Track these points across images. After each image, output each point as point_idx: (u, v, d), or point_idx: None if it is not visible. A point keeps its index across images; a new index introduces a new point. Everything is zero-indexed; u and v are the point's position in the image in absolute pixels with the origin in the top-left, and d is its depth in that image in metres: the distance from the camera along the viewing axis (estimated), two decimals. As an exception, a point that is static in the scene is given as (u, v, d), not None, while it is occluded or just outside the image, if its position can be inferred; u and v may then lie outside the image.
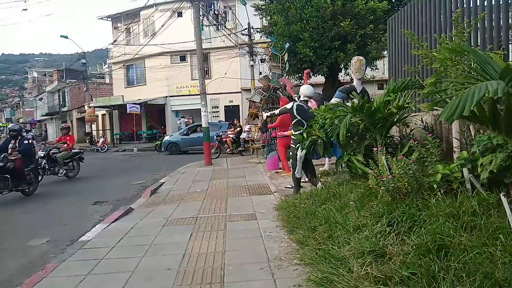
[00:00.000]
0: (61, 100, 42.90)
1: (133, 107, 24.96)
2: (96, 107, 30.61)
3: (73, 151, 11.97)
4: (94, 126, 33.30)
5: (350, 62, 7.38)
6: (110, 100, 29.29)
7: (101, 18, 31.47)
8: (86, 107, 32.40)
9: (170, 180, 9.87)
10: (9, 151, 8.75)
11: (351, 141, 5.18)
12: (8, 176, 8.35)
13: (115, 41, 28.79)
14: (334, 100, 6.82)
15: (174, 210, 6.38)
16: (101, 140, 26.39)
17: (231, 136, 16.14)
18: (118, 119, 30.98)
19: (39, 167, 10.17)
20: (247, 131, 15.17)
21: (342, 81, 13.38)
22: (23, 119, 64.07)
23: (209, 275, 3.46)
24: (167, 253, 4.15)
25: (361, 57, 6.87)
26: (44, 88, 50.88)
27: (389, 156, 4.08)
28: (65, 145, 11.80)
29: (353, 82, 6.96)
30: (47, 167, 11.03)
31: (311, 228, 4.01)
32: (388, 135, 4.93)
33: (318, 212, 4.31)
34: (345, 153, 5.17)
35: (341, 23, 11.08)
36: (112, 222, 5.82)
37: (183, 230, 4.99)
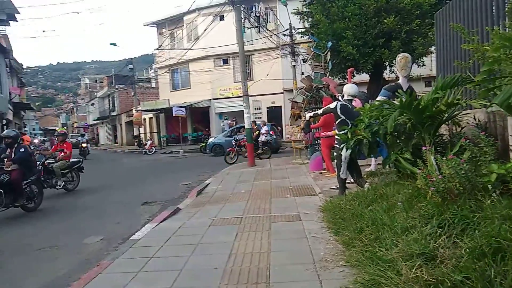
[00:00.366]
0: (110, 104, 44.92)
1: (179, 110, 25.63)
2: (143, 110, 31.73)
3: (71, 160, 10.78)
4: (141, 129, 34.52)
5: (395, 59, 7.18)
6: (156, 103, 30.28)
7: (147, 25, 32.60)
8: (134, 111, 33.67)
9: (215, 181, 10.05)
10: (5, 161, 7.77)
11: (398, 141, 5.03)
12: (1, 191, 7.24)
13: (160, 46, 29.74)
14: (379, 99, 6.66)
15: (219, 210, 6.49)
16: (149, 142, 27.30)
17: None
18: (164, 122, 31.94)
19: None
20: (264, 133, 15.14)
21: (387, 79, 13.04)
22: (77, 123, 67.68)
23: (255, 275, 3.49)
24: (213, 253, 4.24)
25: (406, 54, 6.65)
26: (95, 93, 53.53)
27: (438, 156, 3.93)
28: (62, 153, 10.67)
29: (398, 80, 6.77)
30: (43, 179, 9.46)
31: (357, 230, 3.94)
32: (437, 133, 4.74)
33: (365, 213, 4.23)
34: (392, 152, 5.04)
35: (385, 20, 10.81)
36: (161, 221, 6.01)
37: (228, 230, 5.07)
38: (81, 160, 11.50)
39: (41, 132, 60.22)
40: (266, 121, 19.44)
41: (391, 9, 10.99)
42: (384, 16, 10.91)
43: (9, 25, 26.84)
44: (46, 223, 7.05)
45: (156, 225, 5.81)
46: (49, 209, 8.31)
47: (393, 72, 12.35)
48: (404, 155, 4.73)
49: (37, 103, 78.85)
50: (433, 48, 10.31)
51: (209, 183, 9.77)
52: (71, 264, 4.61)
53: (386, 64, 12.44)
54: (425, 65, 13.03)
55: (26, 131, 38.46)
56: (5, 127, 25.18)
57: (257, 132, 15.72)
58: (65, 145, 10.85)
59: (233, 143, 15.86)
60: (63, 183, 10.23)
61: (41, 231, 6.42)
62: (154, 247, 4.62)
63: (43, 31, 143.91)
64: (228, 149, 15.72)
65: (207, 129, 28.84)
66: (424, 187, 3.72)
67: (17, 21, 26.57)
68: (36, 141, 29.83)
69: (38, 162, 9.34)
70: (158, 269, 3.94)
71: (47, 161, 10.30)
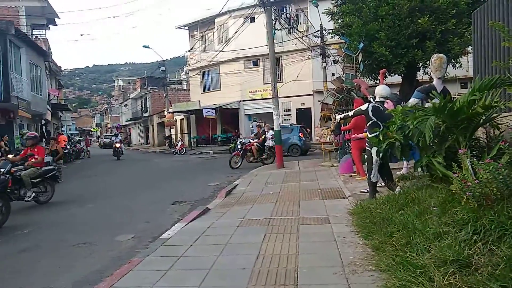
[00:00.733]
0: (143, 106, 45.98)
1: (209, 111, 25.93)
2: (175, 112, 32.30)
3: (44, 168, 9.15)
4: (173, 130, 35.14)
5: (429, 60, 6.99)
6: (187, 105, 30.77)
7: (179, 27, 33.17)
8: (165, 112, 34.32)
9: (244, 182, 10.09)
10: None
11: (430, 143, 4.89)
12: None
13: (191, 48, 30.20)
14: (412, 101, 6.50)
15: (248, 211, 6.52)
16: (180, 143, 27.75)
17: (256, 144, 14.67)
18: (195, 123, 32.40)
19: None
20: (270, 138, 14.53)
21: (420, 80, 12.70)
22: (110, 124, 69.68)
23: (283, 276, 3.48)
24: (241, 253, 4.26)
25: (441, 55, 6.46)
26: (128, 95, 54.94)
27: (475, 160, 3.80)
28: (33, 159, 9.02)
29: (432, 81, 6.59)
30: (9, 190, 7.83)
31: (387, 234, 3.86)
32: (473, 136, 4.58)
33: (396, 217, 4.13)
34: (424, 155, 4.90)
35: (419, 20, 10.54)
36: (190, 221, 6.10)
37: (256, 231, 5.08)
38: (56, 167, 9.73)
39: (77, 132, 62.33)
40: (296, 123, 19.33)
41: (425, 8, 10.70)
42: (418, 16, 10.64)
43: (49, 29, 28.05)
44: (80, 220, 7.29)
45: (186, 225, 5.90)
46: (82, 207, 8.59)
47: (427, 73, 12.01)
48: (437, 159, 4.59)
49: (73, 104, 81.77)
50: (469, 48, 9.97)
51: (238, 184, 9.83)
52: (103, 260, 4.75)
53: (420, 65, 12.12)
54: (461, 66, 12.61)
55: (63, 131, 39.94)
56: (44, 127, 26.29)
57: (263, 137, 14.80)
58: (36, 150, 9.25)
59: (239, 147, 15.01)
60: (34, 194, 8.61)
61: (76, 228, 6.65)
62: (184, 246, 4.69)
63: (81, 35, 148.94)
64: (233, 153, 15.08)
65: (236, 131, 29.03)
66: (459, 191, 3.60)
67: (56, 25, 27.74)
68: (72, 140, 30.95)
69: (2, 170, 7.88)
70: (187, 268, 4.00)
71: (15, 168, 8.56)
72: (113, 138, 29.96)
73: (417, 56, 10.94)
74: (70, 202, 9.19)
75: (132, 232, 6.01)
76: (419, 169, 5.14)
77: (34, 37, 25.42)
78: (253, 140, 15.02)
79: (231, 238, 4.88)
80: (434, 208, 3.87)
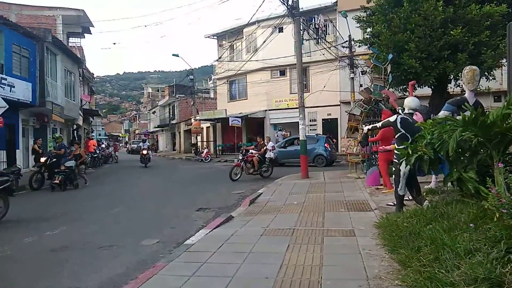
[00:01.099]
0: (171, 113, 46.79)
1: (235, 120, 26.11)
2: (202, 120, 32.70)
3: None
4: (199, 138, 35.56)
5: (460, 72, 6.82)
6: (214, 113, 31.10)
7: (208, 37, 33.71)
8: (192, 120, 34.80)
9: (268, 191, 10.07)
10: None
11: (461, 157, 4.76)
12: None
13: (219, 58, 30.58)
14: (442, 113, 6.36)
15: (271, 220, 6.49)
16: (205, 151, 28.02)
17: (257, 155, 13.91)
18: (220, 131, 32.67)
19: None
20: (271, 149, 14.27)
21: (451, 93, 12.41)
22: (138, 130, 71.19)
23: (306, 287, 3.44)
24: (265, 262, 4.24)
25: (474, 67, 6.31)
26: (157, 102, 56.07)
27: (510, 175, 3.67)
28: None
29: (464, 93, 6.42)
30: None
31: (414, 249, 3.77)
32: (507, 151, 4.43)
33: (423, 232, 4.03)
34: (455, 170, 4.77)
35: (451, 32, 10.32)
36: (214, 228, 6.13)
37: (280, 241, 5.06)
38: (10, 178, 8.14)
39: (106, 137, 64.00)
40: (322, 133, 19.15)
41: (458, 20, 10.49)
42: (450, 27, 10.43)
43: (84, 38, 29.04)
44: (106, 224, 7.44)
45: (210, 231, 5.93)
46: (109, 211, 8.76)
47: (458, 85, 11.73)
48: (468, 173, 4.46)
49: (104, 110, 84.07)
50: (504, 60, 9.68)
51: (262, 193, 9.82)
52: (128, 263, 4.83)
53: (451, 77, 11.85)
54: (495, 78, 12.26)
55: (93, 136, 41.08)
56: (75, 131, 27.12)
57: (264, 148, 14.15)
58: None
59: (240, 157, 14.12)
60: None
61: (102, 231, 6.79)
62: (207, 253, 4.71)
63: (113, 43, 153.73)
64: (234, 164, 14.30)
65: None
66: (491, 207, 3.48)
67: (91, 34, 28.71)
68: (103, 145, 31.80)
69: None
70: (210, 274, 4.01)
71: None
72: (141, 144, 30.44)
73: (449, 68, 10.70)
74: (96, 205, 9.41)
75: (157, 237, 6.08)
76: (449, 184, 5.01)
77: (69, 45, 26.39)
78: (254, 151, 14.17)
79: (255, 247, 4.87)
80: (471, 225, 3.73)
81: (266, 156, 14.12)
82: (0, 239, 6.37)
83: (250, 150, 14.25)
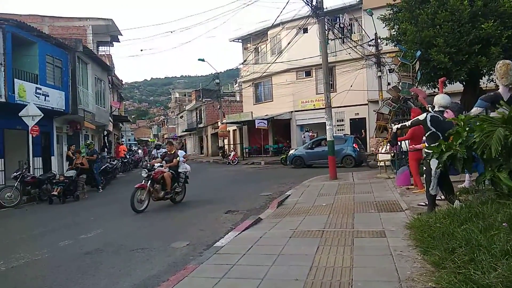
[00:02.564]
0: (198, 117, 47.39)
1: (261, 122, 26.16)
2: (228, 123, 32.95)
3: None
4: (226, 141, 35.85)
5: (494, 67, 6.60)
6: (240, 116, 31.28)
7: (233, 40, 33.94)
8: (219, 123, 35.12)
9: (296, 193, 10.03)
10: None
11: (497, 155, 4.60)
12: None
13: (245, 61, 30.76)
14: (475, 110, 6.18)
15: (300, 222, 6.47)
16: (232, 153, 28.20)
17: (168, 170, 9.81)
18: (247, 134, 32.82)
19: None
20: (184, 160, 11.03)
21: (484, 88, 12.00)
22: (167, 134, 72.42)
23: (337, 289, 3.42)
24: (294, 264, 4.23)
25: (508, 61, 6.08)
26: (184, 107, 56.93)
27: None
28: None
29: (498, 89, 6.21)
30: None
31: (448, 250, 3.66)
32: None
33: (457, 232, 3.92)
34: (489, 168, 4.61)
35: (482, 25, 9.99)
36: (243, 230, 6.16)
37: (309, 243, 5.03)
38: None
39: (135, 142, 65.40)
40: (350, 133, 18.87)
41: (489, 13, 10.15)
42: (481, 21, 10.10)
43: (113, 46, 29.83)
44: (137, 227, 7.61)
45: (239, 234, 5.96)
46: (139, 214, 8.95)
47: (492, 80, 11.32)
48: (501, 173, 4.30)
49: (132, 116, 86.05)
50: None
51: (290, 195, 9.79)
52: (160, 265, 4.93)
53: (483, 72, 11.47)
54: (530, 72, 11.76)
55: (123, 141, 42.07)
56: (106, 137, 27.87)
57: (177, 159, 10.29)
58: None
59: (144, 175, 9.42)
60: None
61: (134, 234, 6.95)
62: (237, 255, 4.74)
63: (141, 50, 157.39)
64: (136, 186, 9.24)
65: (288, 141, 28.99)
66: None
67: (119, 42, 29.45)
68: (133, 149, 32.54)
69: None
70: (240, 276, 4.04)
71: None
72: (154, 152, 30.35)
73: (481, 63, 10.35)
74: (127, 209, 9.60)
75: (187, 239, 6.17)
76: (483, 183, 4.85)
77: (99, 53, 27.18)
78: (163, 163, 10.17)
79: (284, 249, 4.87)
80: (504, 224, 3.61)
81: (180, 170, 10.32)
82: (39, 243, 6.64)
83: (156, 165, 10.01)
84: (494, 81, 9.41)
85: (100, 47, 29.18)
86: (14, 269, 5.21)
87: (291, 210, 7.76)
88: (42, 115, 13.39)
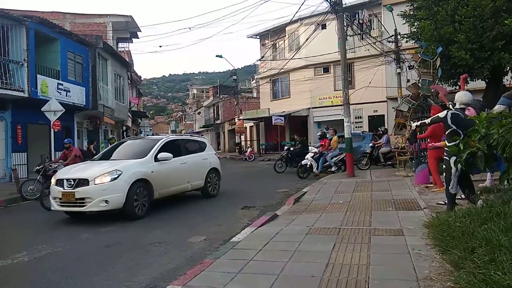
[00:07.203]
0: (215, 113, 47.66)
1: (278, 119, 26.14)
2: (245, 119, 33.01)
3: None
4: (243, 137, 35.94)
5: (518, 63, 6.44)
6: (257, 113, 31.30)
7: (250, 37, 33.95)
8: (236, 120, 35.23)
9: (312, 190, 10.00)
10: None
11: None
12: None
13: (262, 57, 30.72)
14: (497, 107, 6.05)
15: (316, 219, 6.45)
16: (249, 150, 28.31)
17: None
18: (264, 130, 32.84)
19: None
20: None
21: (507, 86, 11.71)
22: (184, 130, 73.05)
23: (353, 286, 3.40)
24: (310, 261, 4.23)
25: (533, 57, 5.93)
26: (201, 103, 57.30)
27: None
28: None
29: (522, 86, 6.06)
30: None
31: (468, 250, 3.61)
32: None
33: (477, 232, 3.85)
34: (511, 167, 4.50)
35: (505, 21, 9.74)
36: (259, 226, 6.18)
37: (326, 240, 5.02)
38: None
39: (154, 138, 66.06)
40: (368, 131, 18.69)
41: (513, 8, 9.88)
42: (504, 16, 9.84)
43: (132, 42, 30.21)
44: (155, 221, 7.70)
45: (255, 229, 5.99)
46: (157, 208, 9.07)
47: (515, 77, 11.06)
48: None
49: (151, 112, 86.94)
50: None
51: (306, 192, 9.76)
52: (177, 259, 4.99)
53: (507, 69, 11.18)
54: (556, 69, 11.43)
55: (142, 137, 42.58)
56: (125, 133, 28.28)
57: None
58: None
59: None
60: None
61: (151, 228, 7.04)
62: (253, 251, 4.77)
63: (160, 46, 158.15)
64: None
65: (305, 138, 28.87)
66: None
67: (138, 38, 29.81)
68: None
69: None
70: (256, 272, 4.06)
71: None
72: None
73: (504, 60, 10.10)
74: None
75: (204, 234, 6.23)
76: (506, 182, 4.74)
77: (118, 49, 27.57)
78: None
79: (300, 245, 4.87)
80: None
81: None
82: (60, 235, 6.80)
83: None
84: (518, 78, 9.20)
85: (120, 43, 29.60)
86: (36, 260, 5.35)
87: (307, 207, 7.74)
88: (64, 110, 13.68)
